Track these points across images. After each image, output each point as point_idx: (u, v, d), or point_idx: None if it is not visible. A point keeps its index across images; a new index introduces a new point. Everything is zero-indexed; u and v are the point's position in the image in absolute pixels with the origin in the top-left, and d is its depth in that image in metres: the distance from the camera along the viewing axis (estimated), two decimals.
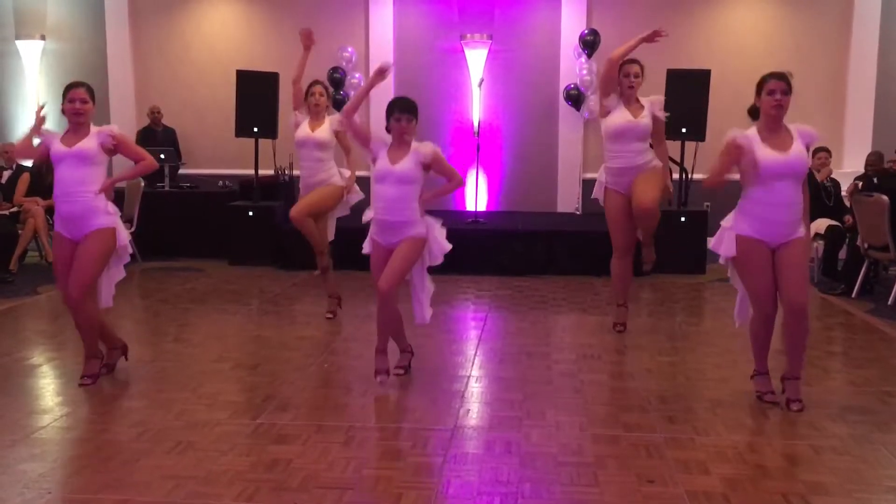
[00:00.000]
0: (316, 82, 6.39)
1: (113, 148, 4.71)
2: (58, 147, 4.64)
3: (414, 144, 4.72)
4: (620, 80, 5.66)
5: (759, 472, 3.57)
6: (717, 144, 10.17)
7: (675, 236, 8.19)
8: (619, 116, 5.63)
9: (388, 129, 4.73)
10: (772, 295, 4.33)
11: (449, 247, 4.86)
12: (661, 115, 5.73)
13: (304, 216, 6.13)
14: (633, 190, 5.63)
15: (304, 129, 6.22)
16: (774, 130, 4.30)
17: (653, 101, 5.74)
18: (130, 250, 4.97)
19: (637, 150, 5.65)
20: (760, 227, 4.28)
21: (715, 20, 10.14)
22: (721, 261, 4.57)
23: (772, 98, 4.26)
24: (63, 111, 4.70)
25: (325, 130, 6.20)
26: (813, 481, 3.49)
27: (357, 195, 6.40)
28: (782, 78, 4.31)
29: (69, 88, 4.68)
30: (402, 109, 4.66)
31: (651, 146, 5.79)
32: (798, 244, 4.30)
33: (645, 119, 5.64)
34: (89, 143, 4.61)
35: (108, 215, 4.68)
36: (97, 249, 4.62)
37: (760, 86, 4.35)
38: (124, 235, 4.78)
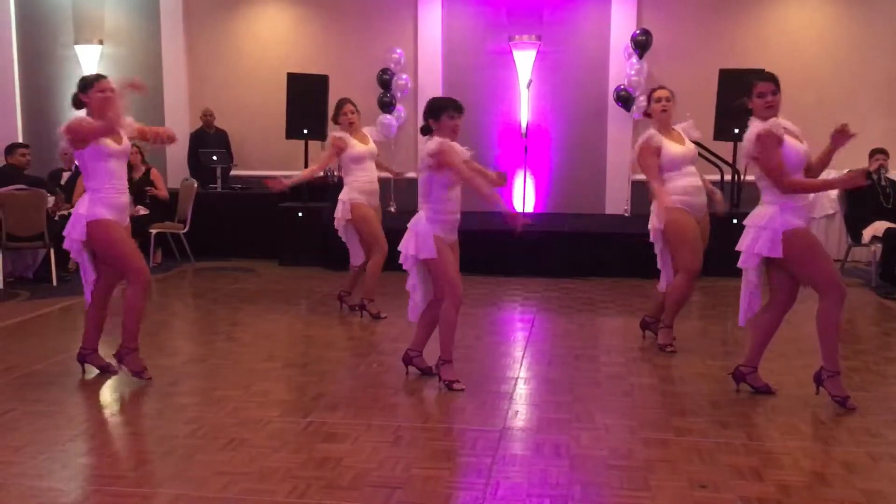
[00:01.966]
0: (345, 101, 6.58)
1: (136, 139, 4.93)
2: (108, 145, 4.70)
3: (455, 146, 4.79)
4: (652, 108, 5.56)
5: (815, 480, 3.50)
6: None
7: (727, 238, 8.03)
8: (673, 148, 5.46)
9: (436, 128, 4.69)
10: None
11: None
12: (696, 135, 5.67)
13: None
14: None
15: (358, 146, 6.40)
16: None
17: (684, 128, 5.66)
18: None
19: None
20: (805, 215, 4.40)
21: (769, 19, 9.96)
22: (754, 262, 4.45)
23: (763, 100, 4.37)
24: (84, 102, 4.76)
25: (372, 145, 6.49)
26: (870, 489, 3.40)
27: None
28: (770, 78, 4.41)
29: (96, 80, 4.78)
30: (456, 108, 4.70)
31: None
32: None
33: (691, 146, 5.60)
34: (127, 143, 4.80)
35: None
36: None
37: (750, 87, 4.44)
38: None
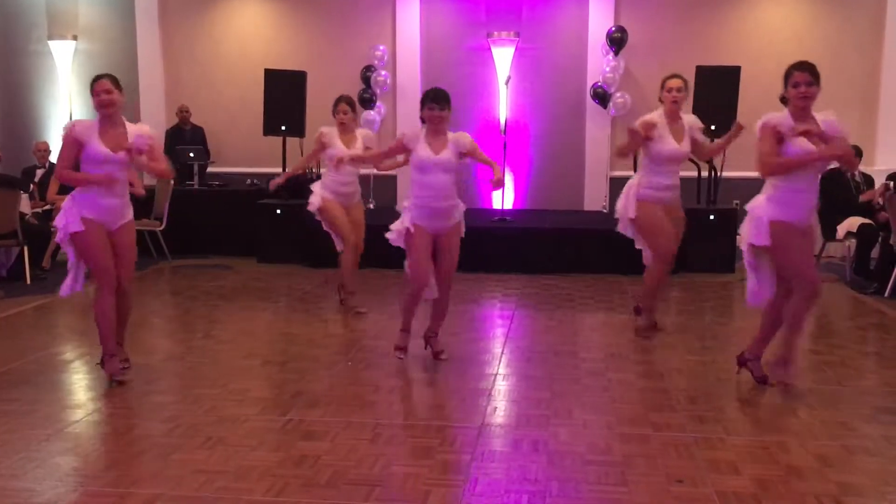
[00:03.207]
0: (341, 99, 6.58)
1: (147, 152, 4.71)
2: (100, 149, 4.60)
3: (450, 136, 4.96)
4: (663, 95, 5.63)
5: (791, 473, 3.53)
6: (746, 142, 10.04)
7: (704, 234, 8.13)
8: (668, 143, 5.56)
9: (422, 119, 4.99)
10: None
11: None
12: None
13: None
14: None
15: (340, 147, 6.38)
16: (804, 120, 4.37)
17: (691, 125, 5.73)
18: None
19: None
20: (799, 213, 4.44)
21: (745, 16, 10.03)
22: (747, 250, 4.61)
23: (797, 90, 4.39)
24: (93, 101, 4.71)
25: (359, 148, 6.41)
26: (845, 482, 3.44)
27: None
28: (806, 68, 4.41)
29: (94, 81, 4.71)
30: (433, 99, 4.91)
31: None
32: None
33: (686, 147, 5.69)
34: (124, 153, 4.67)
35: (131, 208, 4.87)
36: (134, 239, 4.87)
37: (787, 76, 4.48)
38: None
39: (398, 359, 5.18)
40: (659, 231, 5.60)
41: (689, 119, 5.79)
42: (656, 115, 5.59)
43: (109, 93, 4.65)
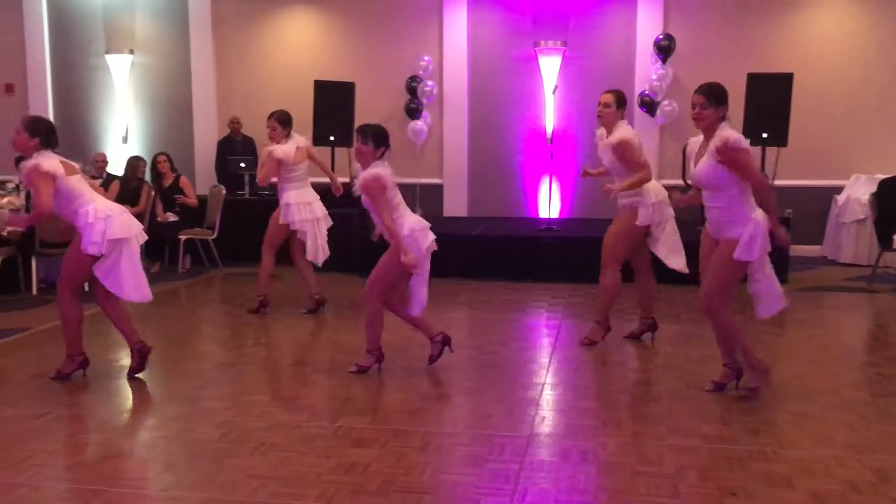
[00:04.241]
0: (269, 116, 7.06)
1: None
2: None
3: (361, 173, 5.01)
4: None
5: (848, 488, 3.45)
6: (801, 149, 10.00)
7: None
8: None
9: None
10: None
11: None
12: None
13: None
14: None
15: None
16: (706, 140, 4.54)
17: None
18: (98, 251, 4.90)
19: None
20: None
21: (796, 23, 9.88)
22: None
23: (692, 111, 4.52)
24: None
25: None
26: None
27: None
28: (700, 91, 4.51)
29: None
30: (357, 132, 5.03)
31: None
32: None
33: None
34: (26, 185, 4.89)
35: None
36: (71, 250, 4.95)
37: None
38: (88, 243, 4.83)
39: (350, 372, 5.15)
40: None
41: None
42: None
43: (18, 133, 4.81)
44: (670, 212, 5.69)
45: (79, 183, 4.93)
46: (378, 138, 4.94)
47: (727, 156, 4.35)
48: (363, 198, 4.99)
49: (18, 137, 4.80)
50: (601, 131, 5.71)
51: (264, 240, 7.02)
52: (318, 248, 6.87)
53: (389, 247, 5.01)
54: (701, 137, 4.63)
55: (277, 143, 6.83)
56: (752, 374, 4.63)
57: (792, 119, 8.47)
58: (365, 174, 4.90)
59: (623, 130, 5.53)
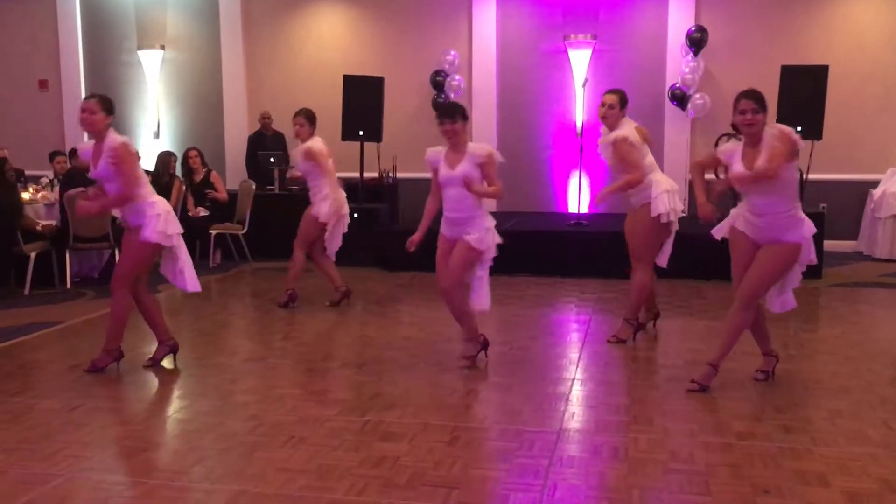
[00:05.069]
0: (296, 113, 7.06)
1: (114, 164, 4.81)
2: (91, 168, 4.99)
3: (469, 147, 4.99)
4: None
5: (884, 487, 3.39)
6: (836, 143, 9.83)
7: None
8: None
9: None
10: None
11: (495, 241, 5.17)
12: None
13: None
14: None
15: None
16: (755, 146, 4.42)
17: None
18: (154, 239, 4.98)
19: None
20: (743, 219, 4.59)
21: (831, 14, 9.71)
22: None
23: (743, 117, 4.38)
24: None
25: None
26: None
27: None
28: (751, 96, 4.39)
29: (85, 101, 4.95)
30: (442, 114, 5.01)
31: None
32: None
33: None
34: (101, 165, 4.88)
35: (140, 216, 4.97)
36: (127, 245, 5.05)
37: (735, 103, 4.46)
38: (152, 233, 4.91)
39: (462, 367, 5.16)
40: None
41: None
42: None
43: (93, 113, 4.83)
44: (681, 205, 5.72)
45: (143, 171, 5.07)
46: (465, 114, 5.05)
47: (794, 148, 4.29)
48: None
49: (94, 117, 4.80)
50: (605, 132, 5.70)
51: (297, 235, 7.03)
52: (337, 240, 6.92)
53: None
54: (730, 144, 4.55)
55: (304, 140, 6.84)
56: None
57: (827, 112, 8.33)
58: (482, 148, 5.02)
59: (626, 128, 5.53)
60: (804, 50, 9.42)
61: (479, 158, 4.93)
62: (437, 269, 5.15)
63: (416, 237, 5.18)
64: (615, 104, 5.56)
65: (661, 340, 6.02)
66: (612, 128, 5.59)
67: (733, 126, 4.51)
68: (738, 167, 4.43)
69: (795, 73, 8.40)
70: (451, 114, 4.96)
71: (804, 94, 8.26)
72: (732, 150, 4.53)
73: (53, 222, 8.06)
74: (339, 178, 7.18)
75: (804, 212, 4.57)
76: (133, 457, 3.80)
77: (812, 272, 8.05)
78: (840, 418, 4.22)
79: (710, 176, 5.03)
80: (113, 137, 4.84)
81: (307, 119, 6.88)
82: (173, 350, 5.25)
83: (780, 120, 8.47)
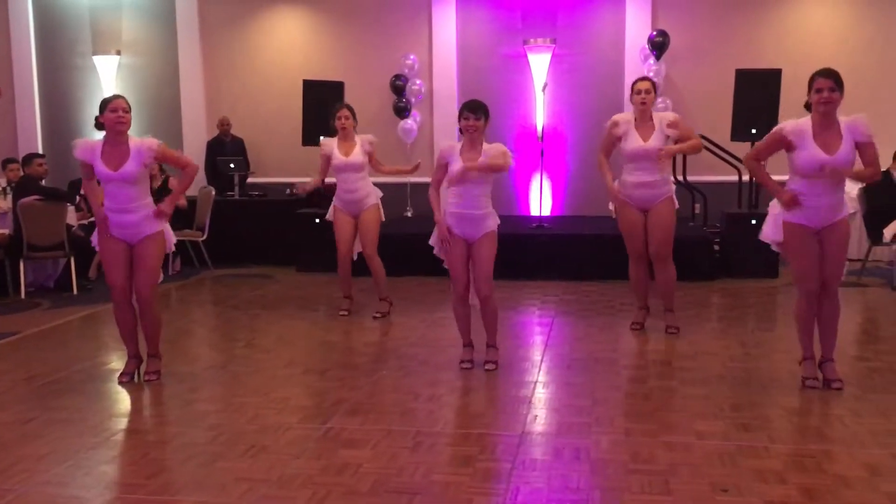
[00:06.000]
0: (339, 106, 6.72)
1: (155, 162, 4.93)
2: (102, 169, 4.82)
3: (486, 146, 5.03)
4: (632, 98, 5.76)
5: (839, 483, 3.46)
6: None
7: (745, 239, 8.01)
8: (634, 143, 5.72)
9: (460, 129, 5.11)
10: (815, 274, 4.56)
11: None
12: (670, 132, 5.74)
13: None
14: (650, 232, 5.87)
15: (339, 157, 6.57)
16: (826, 127, 4.42)
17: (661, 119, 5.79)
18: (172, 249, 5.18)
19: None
20: (807, 214, 4.52)
21: (785, 18, 9.90)
22: (773, 247, 4.83)
23: (819, 95, 4.39)
24: (102, 123, 4.86)
25: (357, 154, 6.55)
26: (894, 492, 3.36)
27: None
28: (829, 75, 4.42)
29: (109, 101, 4.85)
30: (468, 109, 5.02)
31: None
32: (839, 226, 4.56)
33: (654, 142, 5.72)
34: (131, 167, 4.78)
35: (158, 221, 4.96)
36: (156, 252, 4.97)
37: (810, 82, 4.50)
38: (171, 237, 5.05)
39: (462, 369, 5.22)
40: (624, 231, 5.99)
41: (662, 115, 5.89)
42: (616, 119, 5.82)
43: (126, 112, 4.81)
44: None
45: None
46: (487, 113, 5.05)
47: (869, 136, 4.41)
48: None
49: (129, 116, 4.82)
50: (624, 116, 5.85)
51: (370, 242, 6.69)
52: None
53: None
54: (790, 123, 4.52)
55: (351, 133, 6.63)
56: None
57: (781, 115, 8.47)
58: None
59: (666, 111, 5.96)
60: (758, 54, 9.58)
61: (496, 158, 4.98)
62: (459, 275, 5.10)
63: (439, 217, 5.07)
64: (651, 89, 5.78)
65: (622, 341, 6.07)
66: (648, 113, 5.76)
67: (807, 106, 4.55)
68: (814, 150, 4.38)
69: (749, 77, 8.55)
70: (475, 109, 4.99)
71: (758, 98, 8.41)
72: (802, 131, 4.44)
73: (6, 231, 7.90)
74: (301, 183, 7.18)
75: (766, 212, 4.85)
76: (90, 469, 3.73)
77: (769, 271, 8.24)
78: (796, 416, 4.30)
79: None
80: (142, 140, 4.86)
81: (353, 113, 6.69)
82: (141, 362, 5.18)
83: (734, 122, 8.63)
